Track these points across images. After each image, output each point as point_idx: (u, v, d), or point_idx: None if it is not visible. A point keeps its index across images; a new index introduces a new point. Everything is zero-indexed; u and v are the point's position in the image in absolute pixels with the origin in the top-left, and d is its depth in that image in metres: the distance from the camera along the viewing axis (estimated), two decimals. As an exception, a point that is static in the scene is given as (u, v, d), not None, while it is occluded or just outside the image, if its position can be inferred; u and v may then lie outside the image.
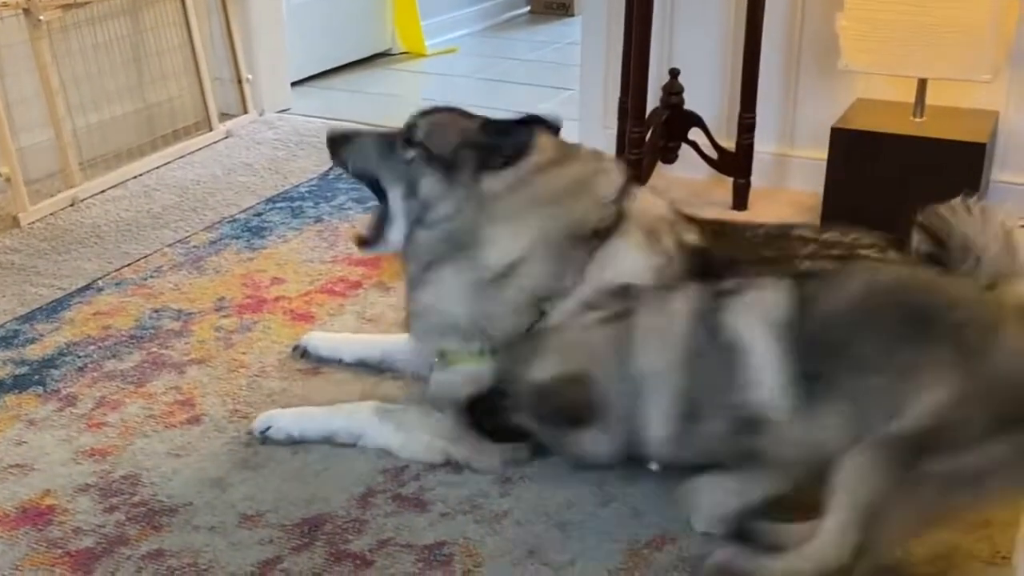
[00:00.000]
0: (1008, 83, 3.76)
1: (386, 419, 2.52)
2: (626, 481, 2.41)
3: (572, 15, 7.36)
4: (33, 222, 3.85)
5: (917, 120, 3.68)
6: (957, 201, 2.44)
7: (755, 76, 3.87)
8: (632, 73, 3.79)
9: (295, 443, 2.54)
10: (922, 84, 3.65)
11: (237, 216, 3.93)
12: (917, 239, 2.49)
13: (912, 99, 3.68)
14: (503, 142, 2.43)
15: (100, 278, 3.45)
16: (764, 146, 4.07)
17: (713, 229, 2.54)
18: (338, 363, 2.90)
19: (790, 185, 4.18)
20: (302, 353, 2.93)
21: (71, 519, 2.32)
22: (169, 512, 2.34)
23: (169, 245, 3.69)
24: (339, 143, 2.66)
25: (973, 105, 3.79)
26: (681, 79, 3.96)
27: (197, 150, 4.54)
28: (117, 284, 3.41)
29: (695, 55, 4.17)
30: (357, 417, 2.56)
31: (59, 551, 2.22)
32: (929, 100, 3.67)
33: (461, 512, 2.33)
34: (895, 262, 2.47)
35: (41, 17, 3.94)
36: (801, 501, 2.13)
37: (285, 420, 2.59)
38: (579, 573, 2.15)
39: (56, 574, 2.16)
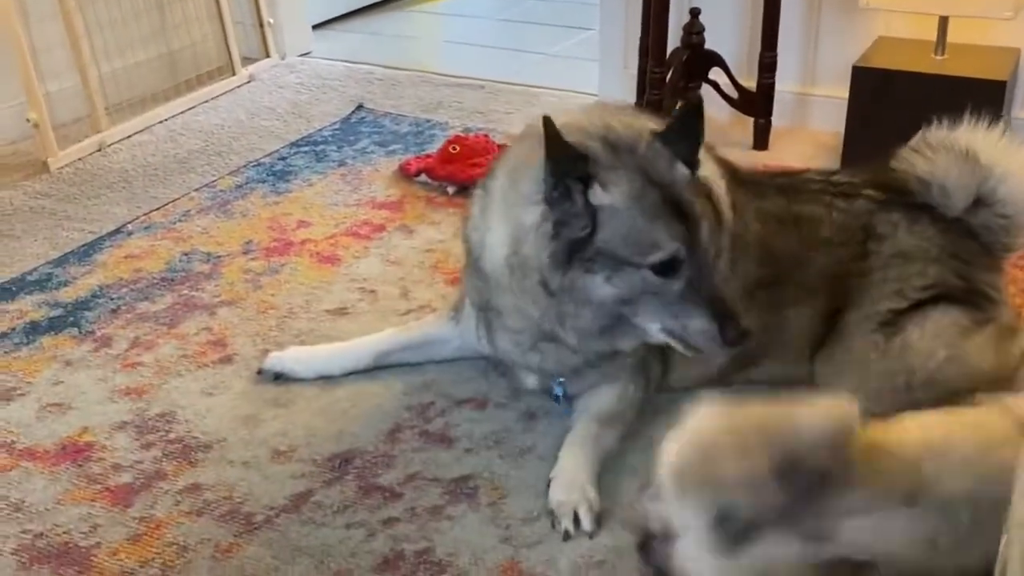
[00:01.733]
0: (1030, 20, 3.74)
1: None
2: (646, 415, 2.47)
3: (592, -46, 7.30)
4: (62, 167, 3.91)
5: (938, 58, 3.68)
6: (914, 140, 2.46)
7: (776, 15, 3.86)
8: (652, 12, 3.79)
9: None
10: (943, 22, 3.64)
11: (262, 160, 3.97)
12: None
13: (934, 37, 3.67)
14: None
15: (129, 222, 3.51)
16: (785, 85, 4.07)
17: (730, 169, 2.57)
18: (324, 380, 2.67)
19: (811, 124, 4.18)
20: (275, 376, 2.65)
21: (109, 455, 2.40)
22: (204, 448, 2.42)
23: (196, 189, 3.74)
24: None
25: (994, 42, 3.78)
26: (702, 18, 3.96)
27: (221, 95, 4.58)
28: (146, 228, 3.47)
29: (716, -6, 4.16)
30: None
31: (98, 486, 2.31)
32: (950, 38, 3.66)
33: (485, 447, 2.40)
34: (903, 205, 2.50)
35: (65, -37, 3.97)
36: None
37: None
38: (600, 505, 2.22)
39: (96, 508, 2.24)
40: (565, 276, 2.12)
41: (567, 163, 2.05)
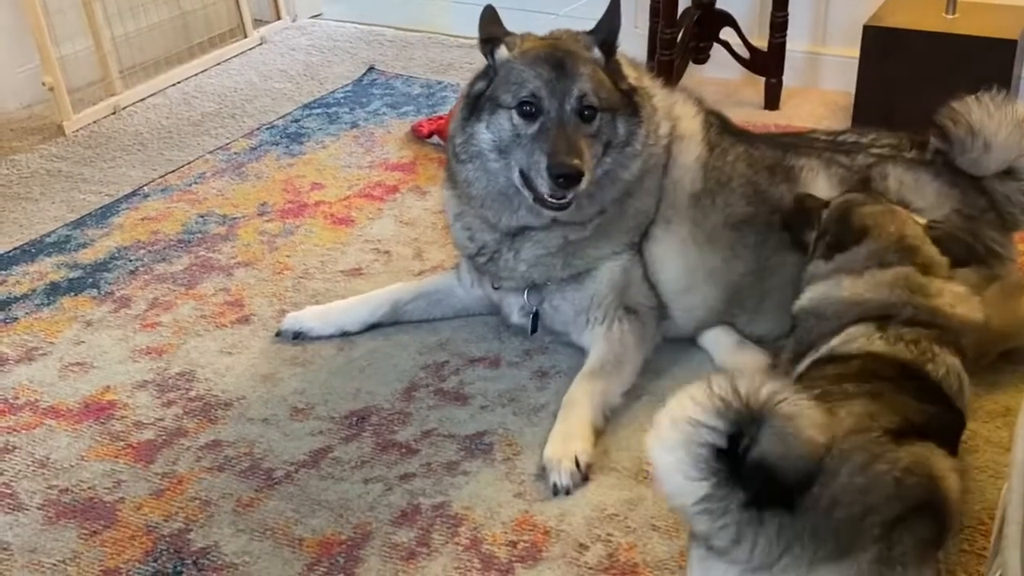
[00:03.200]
0: (1042, -22, 3.73)
1: None
2: (657, 374, 2.51)
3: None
4: (77, 130, 3.94)
5: (949, 17, 3.67)
6: (975, 96, 2.51)
7: (787, -26, 3.86)
8: (664, -27, 3.79)
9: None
10: (955, -20, 3.64)
11: (275, 123, 4.00)
12: (932, 138, 2.56)
13: (945, -4, 3.67)
14: None
15: (145, 184, 3.55)
16: (796, 45, 4.07)
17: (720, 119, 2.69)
18: (342, 336, 2.71)
19: (822, 84, 4.19)
20: (294, 335, 2.70)
21: (131, 413, 2.45)
22: (224, 406, 2.47)
23: (210, 152, 3.77)
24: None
25: (1004, 1, 3.77)
26: (713, -22, 3.96)
27: (233, 57, 4.60)
28: (163, 190, 3.51)
29: (727, -47, 4.15)
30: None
31: (121, 443, 2.36)
32: (961, -4, 3.66)
33: (500, 405, 2.45)
34: (904, 161, 2.53)
35: (77, -74, 3.98)
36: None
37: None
38: (611, 461, 2.26)
39: (120, 464, 2.30)
40: (464, 132, 2.48)
41: (487, 31, 2.49)
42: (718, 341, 2.57)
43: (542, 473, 2.22)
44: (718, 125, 2.63)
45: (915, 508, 1.61)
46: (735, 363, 2.48)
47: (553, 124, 2.35)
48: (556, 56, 2.39)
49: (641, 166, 2.47)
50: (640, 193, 2.51)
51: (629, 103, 2.45)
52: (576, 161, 2.29)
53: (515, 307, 2.60)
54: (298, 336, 2.68)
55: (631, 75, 2.53)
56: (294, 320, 2.71)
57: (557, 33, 2.54)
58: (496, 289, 2.61)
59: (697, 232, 2.53)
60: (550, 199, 2.34)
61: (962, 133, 2.53)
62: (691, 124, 2.59)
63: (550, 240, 2.50)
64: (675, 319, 2.57)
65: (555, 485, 2.18)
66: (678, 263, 2.52)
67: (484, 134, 2.44)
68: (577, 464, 2.20)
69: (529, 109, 2.37)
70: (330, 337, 2.68)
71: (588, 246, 2.51)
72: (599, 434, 2.33)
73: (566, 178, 2.29)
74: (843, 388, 1.84)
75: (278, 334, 2.70)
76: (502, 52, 2.46)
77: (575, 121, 2.35)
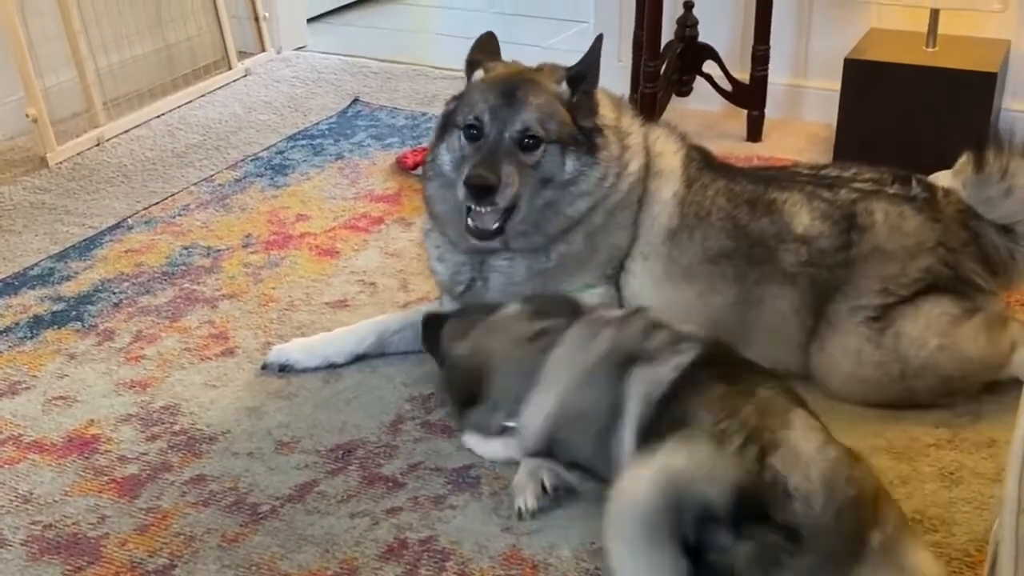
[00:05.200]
0: (1019, 12, 3.78)
1: None
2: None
3: (585, -54, 7.31)
4: (61, 162, 3.93)
5: (929, 50, 3.72)
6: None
7: (769, 7, 3.90)
8: (647, 6, 3.81)
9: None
10: (934, 14, 3.68)
11: (260, 154, 4.00)
12: (915, 184, 2.58)
13: (925, 29, 3.71)
14: None
15: (129, 216, 3.54)
16: (778, 77, 4.11)
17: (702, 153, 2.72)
18: (328, 368, 2.68)
19: (804, 116, 4.22)
20: (280, 368, 2.68)
21: (115, 447, 2.44)
22: (208, 440, 2.45)
23: (195, 184, 3.77)
24: None
25: (985, 35, 3.82)
26: (695, 11, 4.00)
27: (217, 88, 4.60)
28: (146, 222, 3.50)
29: (709, -13, 4.19)
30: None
31: (105, 478, 2.34)
32: (941, 30, 3.70)
33: (487, 437, 2.44)
34: (887, 196, 2.54)
35: (61, -42, 3.99)
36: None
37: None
38: (599, 495, 2.25)
39: (104, 499, 2.28)
40: (433, 151, 2.59)
41: (474, 55, 2.63)
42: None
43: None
44: (699, 160, 2.66)
45: None
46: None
47: (488, 146, 2.43)
48: (510, 83, 2.48)
49: (588, 205, 2.50)
50: (612, 227, 2.55)
51: (586, 141, 2.49)
52: (490, 175, 2.37)
53: None
54: (284, 369, 2.67)
55: (608, 114, 2.57)
56: (280, 353, 2.70)
57: (540, 65, 2.60)
58: None
59: (673, 268, 2.56)
60: (472, 225, 2.45)
61: (994, 169, 2.55)
62: (671, 160, 2.62)
63: (515, 270, 2.55)
64: None
65: (519, 509, 2.19)
66: (653, 297, 2.54)
67: (444, 154, 2.55)
68: (544, 488, 2.21)
69: (473, 132, 2.46)
70: (316, 369, 2.67)
71: (558, 278, 2.54)
72: None
73: (477, 188, 2.38)
74: None
75: (264, 367, 2.69)
76: (477, 75, 2.58)
77: (512, 148, 2.43)
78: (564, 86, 2.51)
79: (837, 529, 1.69)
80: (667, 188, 2.59)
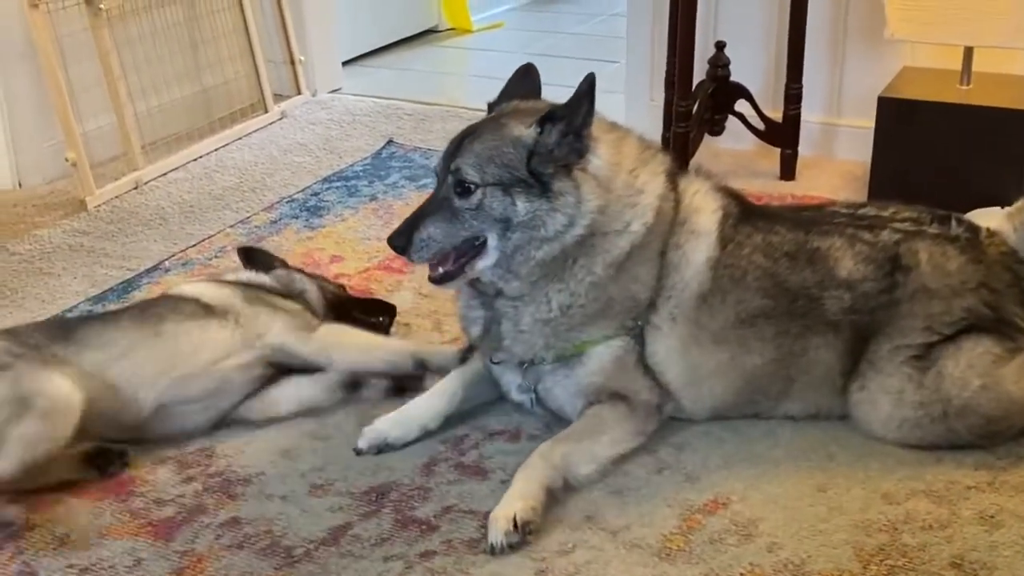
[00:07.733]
0: (1055, 49, 3.76)
1: None
2: (679, 448, 2.50)
3: (617, -14, 7.36)
4: (99, 205, 3.99)
5: (964, 88, 3.70)
6: None
7: (801, 46, 3.91)
8: (678, 46, 3.83)
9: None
10: (968, 52, 3.66)
11: (295, 196, 4.04)
12: (955, 224, 2.56)
13: (959, 66, 3.70)
14: None
15: (167, 259, 3.58)
16: (811, 115, 4.10)
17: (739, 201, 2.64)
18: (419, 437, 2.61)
19: (837, 155, 4.21)
20: (378, 451, 2.56)
21: (151, 490, 2.45)
22: (243, 482, 2.46)
23: (231, 226, 3.81)
24: None
25: (1020, 72, 3.80)
26: (727, 51, 4.00)
27: (254, 131, 4.66)
28: (184, 264, 3.54)
29: (741, 26, 4.20)
30: None
31: (141, 520, 2.35)
32: (976, 67, 3.68)
33: (520, 479, 2.43)
34: (930, 236, 2.52)
35: (101, 6, 4.08)
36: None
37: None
38: (634, 537, 2.24)
39: (139, 542, 2.29)
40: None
41: (499, 95, 2.61)
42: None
43: (566, 549, 2.19)
44: (735, 215, 2.56)
45: None
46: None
47: (433, 197, 2.46)
48: (469, 130, 2.47)
49: (556, 251, 2.40)
50: (624, 280, 2.46)
51: (537, 184, 2.37)
52: (399, 240, 2.43)
53: (512, 384, 2.59)
54: (382, 451, 2.55)
55: (613, 160, 2.45)
56: (376, 434, 2.57)
57: (536, 103, 2.54)
58: (494, 364, 2.60)
59: (701, 333, 2.48)
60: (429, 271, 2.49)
61: None
62: (708, 221, 2.52)
63: (519, 317, 2.49)
64: (685, 408, 2.56)
65: (491, 545, 2.18)
66: (680, 360, 2.49)
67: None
68: (515, 524, 2.19)
69: (436, 181, 2.50)
70: (416, 440, 2.58)
71: (569, 328, 2.47)
72: (553, 496, 2.31)
73: (393, 249, 2.47)
74: None
75: (358, 453, 2.56)
76: None
77: (451, 194, 2.42)
78: (532, 128, 2.39)
79: None
80: (701, 251, 2.49)
